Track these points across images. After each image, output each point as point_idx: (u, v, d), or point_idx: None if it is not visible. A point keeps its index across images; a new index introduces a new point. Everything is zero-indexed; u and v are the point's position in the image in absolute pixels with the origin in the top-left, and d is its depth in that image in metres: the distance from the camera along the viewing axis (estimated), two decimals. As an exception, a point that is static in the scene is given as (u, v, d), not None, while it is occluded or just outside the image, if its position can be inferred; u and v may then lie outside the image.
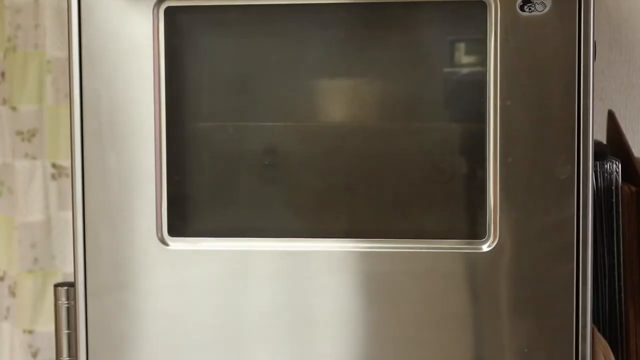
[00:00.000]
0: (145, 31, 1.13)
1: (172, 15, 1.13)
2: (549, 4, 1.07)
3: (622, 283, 1.28)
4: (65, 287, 1.20)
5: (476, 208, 1.12)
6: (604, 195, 1.27)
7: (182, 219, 1.17)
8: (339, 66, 1.17)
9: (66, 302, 1.19)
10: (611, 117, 1.44)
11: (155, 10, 1.13)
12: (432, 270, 1.12)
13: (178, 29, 1.15)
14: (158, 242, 1.15)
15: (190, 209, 1.19)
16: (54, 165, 1.84)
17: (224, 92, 1.20)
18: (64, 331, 1.20)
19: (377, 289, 1.13)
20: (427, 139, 1.17)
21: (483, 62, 1.09)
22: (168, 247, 1.15)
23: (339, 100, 1.18)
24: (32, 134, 1.83)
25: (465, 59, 1.15)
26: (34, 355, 1.87)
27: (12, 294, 1.88)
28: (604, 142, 1.44)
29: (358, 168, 1.16)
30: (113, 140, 1.14)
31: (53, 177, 1.84)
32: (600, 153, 1.28)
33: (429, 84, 1.17)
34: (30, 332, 1.86)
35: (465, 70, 1.14)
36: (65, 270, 1.85)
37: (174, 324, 1.15)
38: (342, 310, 1.13)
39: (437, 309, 1.12)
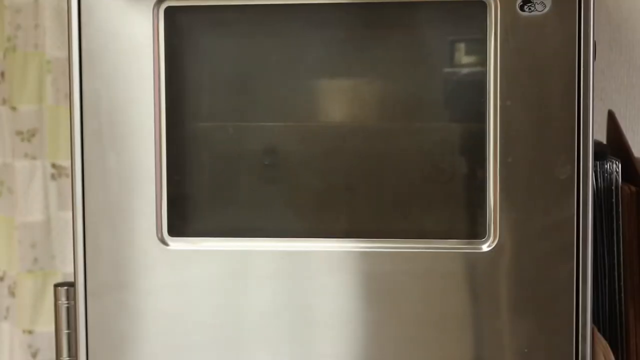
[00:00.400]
0: (145, 31, 1.13)
1: (172, 15, 1.13)
2: (549, 4, 1.07)
3: (622, 283, 1.28)
4: (65, 287, 1.20)
5: (476, 208, 1.12)
6: (604, 195, 1.27)
7: (182, 219, 1.17)
8: (339, 66, 1.17)
9: (66, 302, 1.19)
10: (611, 117, 1.44)
11: (155, 10, 1.13)
12: (432, 270, 1.12)
13: (178, 29, 1.15)
14: (158, 242, 1.15)
15: (190, 209, 1.19)
16: (53, 165, 1.84)
17: (224, 92, 1.20)
18: (64, 331, 1.20)
19: (377, 289, 1.13)
20: (427, 139, 1.17)
21: (483, 62, 1.09)
22: (168, 247, 1.15)
23: (339, 100, 1.18)
24: (32, 134, 1.83)
25: (465, 59, 1.14)
26: (34, 355, 1.87)
27: (12, 294, 1.88)
28: (604, 142, 1.44)
29: (358, 168, 1.16)
30: (113, 140, 1.14)
31: (53, 177, 1.84)
32: (600, 153, 1.28)
33: (429, 84, 1.17)
34: (30, 332, 1.86)
35: (465, 70, 1.14)
36: (65, 270, 1.85)
37: (174, 324, 1.15)
38: (342, 310, 1.13)
39: (437, 309, 1.12)
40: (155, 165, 1.14)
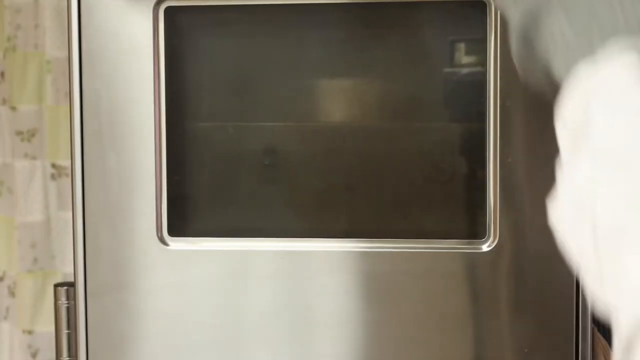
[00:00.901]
0: (145, 31, 1.13)
1: (172, 15, 1.13)
2: (549, 4, 1.06)
3: (622, 283, 1.28)
4: (65, 287, 1.20)
5: (476, 208, 1.12)
6: (604, 195, 1.27)
7: (182, 219, 1.17)
8: (339, 66, 1.17)
9: (66, 302, 1.19)
10: (611, 117, 1.44)
11: (155, 11, 1.13)
12: (432, 270, 1.12)
13: (178, 29, 1.14)
14: (158, 242, 1.15)
15: (190, 209, 1.19)
16: (53, 165, 1.84)
17: (224, 92, 1.20)
18: (64, 331, 1.19)
19: (377, 289, 1.13)
20: (427, 139, 1.17)
21: (483, 62, 1.09)
22: (168, 247, 1.15)
23: (339, 100, 1.18)
24: (32, 134, 1.83)
25: (465, 59, 1.14)
26: (34, 355, 1.87)
27: (12, 294, 1.88)
28: (604, 142, 1.44)
29: (358, 168, 1.16)
30: (113, 140, 1.14)
31: (53, 177, 1.84)
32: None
33: (429, 84, 1.17)
34: (30, 332, 1.86)
35: (465, 70, 1.14)
36: (65, 270, 1.85)
37: (174, 324, 1.15)
38: (342, 310, 1.13)
39: (437, 309, 1.12)
40: (155, 165, 1.14)
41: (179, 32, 1.15)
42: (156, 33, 1.13)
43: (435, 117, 1.17)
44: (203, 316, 1.15)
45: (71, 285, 1.18)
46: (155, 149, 1.14)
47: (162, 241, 1.15)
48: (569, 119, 0.80)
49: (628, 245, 0.69)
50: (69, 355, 1.19)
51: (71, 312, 1.18)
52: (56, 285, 1.21)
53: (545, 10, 0.80)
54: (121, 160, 1.14)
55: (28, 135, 1.82)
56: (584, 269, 0.76)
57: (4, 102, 1.82)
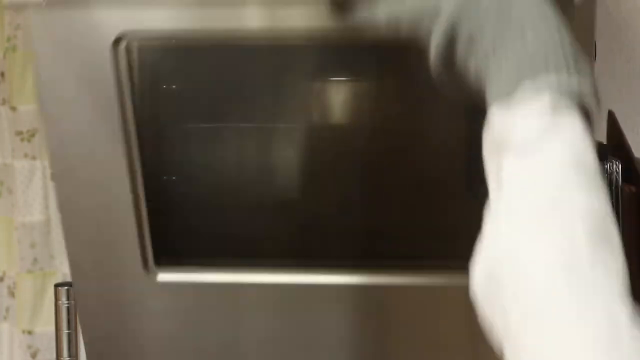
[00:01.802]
0: (105, 64, 1.06)
1: (132, 52, 1.08)
2: (549, 4, 1.05)
3: (622, 284, 1.27)
4: (66, 287, 1.20)
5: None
6: (604, 196, 1.26)
7: (170, 249, 1.13)
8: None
9: (66, 302, 1.20)
10: (611, 117, 1.43)
11: (115, 48, 1.06)
12: (437, 301, 1.10)
13: (140, 62, 1.09)
14: (145, 273, 1.12)
15: (177, 240, 1.16)
16: (53, 165, 1.84)
17: (196, 121, 1.16)
18: (64, 331, 1.20)
19: (374, 322, 1.11)
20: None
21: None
22: (156, 279, 1.12)
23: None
24: (32, 134, 1.83)
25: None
26: (33, 355, 1.87)
27: (12, 294, 1.88)
28: (604, 142, 1.43)
29: (360, 198, 1.14)
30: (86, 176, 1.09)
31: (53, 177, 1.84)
32: (600, 153, 1.27)
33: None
34: (30, 332, 1.86)
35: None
36: (65, 270, 1.85)
37: (170, 347, 1.14)
38: (340, 343, 1.12)
39: (440, 339, 1.11)
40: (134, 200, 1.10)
41: (142, 66, 1.10)
42: (117, 68, 1.06)
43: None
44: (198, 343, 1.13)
45: (71, 285, 1.18)
46: (130, 182, 1.09)
47: (150, 272, 1.12)
48: (488, 168, 0.77)
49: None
50: (69, 355, 1.20)
51: (71, 312, 1.19)
52: (56, 285, 1.22)
53: (480, 35, 0.79)
54: (99, 202, 1.10)
55: (28, 135, 1.82)
56: None
57: (4, 102, 1.82)
